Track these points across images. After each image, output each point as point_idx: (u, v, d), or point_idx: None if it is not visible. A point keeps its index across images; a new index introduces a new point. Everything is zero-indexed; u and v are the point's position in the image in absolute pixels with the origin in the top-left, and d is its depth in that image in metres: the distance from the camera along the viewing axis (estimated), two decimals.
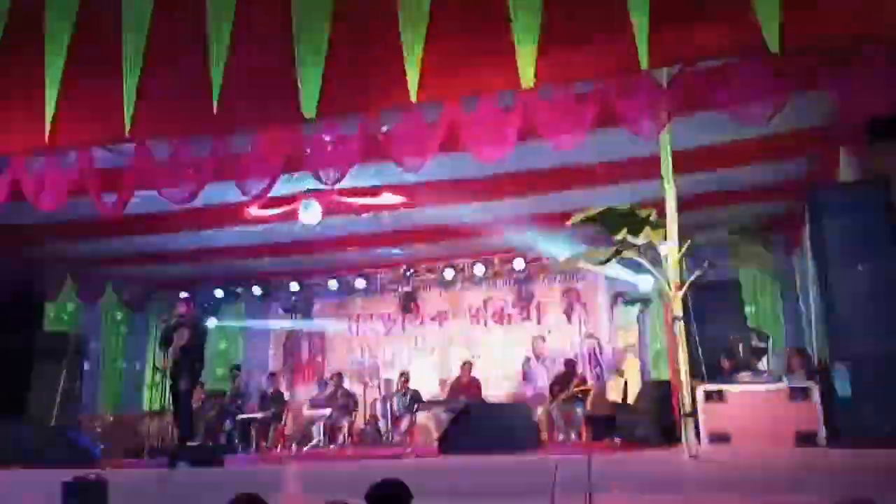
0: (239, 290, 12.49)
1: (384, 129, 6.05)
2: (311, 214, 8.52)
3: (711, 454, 5.17)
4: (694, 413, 5.43)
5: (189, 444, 7.97)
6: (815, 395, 5.44)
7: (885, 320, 5.30)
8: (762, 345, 6.34)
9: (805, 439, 5.30)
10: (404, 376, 11.11)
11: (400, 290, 12.17)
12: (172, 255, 10.35)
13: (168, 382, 8.29)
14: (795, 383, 5.79)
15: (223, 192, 7.25)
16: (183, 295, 10.73)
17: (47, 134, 6.35)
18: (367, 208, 8.95)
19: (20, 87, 6.35)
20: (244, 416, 10.65)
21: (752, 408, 5.56)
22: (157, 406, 11.67)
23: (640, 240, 6.16)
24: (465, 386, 10.75)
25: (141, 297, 12.30)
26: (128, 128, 6.09)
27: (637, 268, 7.83)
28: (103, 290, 11.45)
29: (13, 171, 6.70)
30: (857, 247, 5.50)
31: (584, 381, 10.35)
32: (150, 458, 8.17)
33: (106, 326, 11.90)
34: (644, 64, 4.89)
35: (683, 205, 5.84)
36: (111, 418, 10.43)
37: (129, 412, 11.57)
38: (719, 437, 5.52)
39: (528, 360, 11.49)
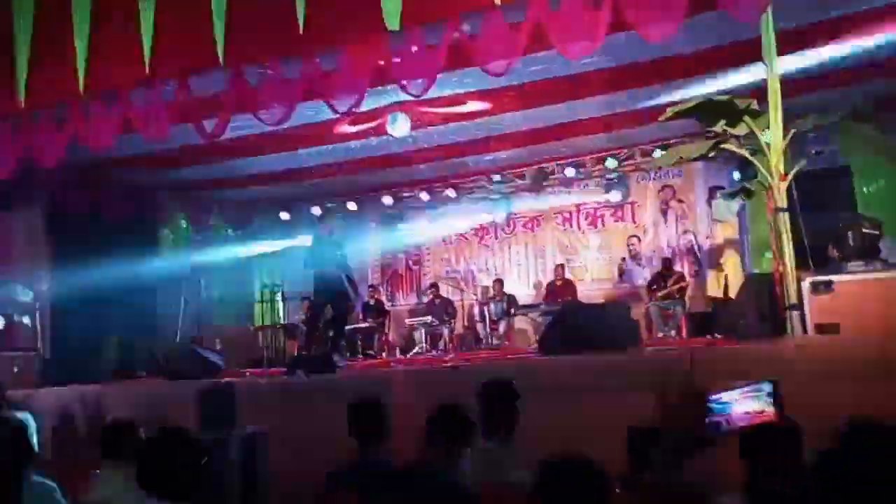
0: (334, 205, 12.84)
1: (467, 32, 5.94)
2: (399, 127, 8.59)
3: (819, 344, 5.08)
4: (800, 305, 5.32)
5: (303, 353, 8.49)
6: None
7: None
8: (875, 232, 6.04)
9: None
10: (499, 282, 11.31)
11: (490, 197, 12.20)
12: (270, 175, 10.70)
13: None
14: None
15: (315, 112, 7.40)
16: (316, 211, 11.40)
17: (147, 66, 6.63)
18: (453, 117, 8.92)
19: (118, 22, 6.60)
20: (349, 326, 11.17)
21: (863, 297, 5.37)
22: (267, 320, 12.46)
23: (740, 130, 5.91)
24: (560, 289, 10.86)
25: (245, 218, 12.88)
26: (221, 55, 6.27)
27: (737, 160, 7.58)
28: (211, 213, 12.06)
29: (121, 105, 7.06)
30: None
31: (681, 278, 10.23)
32: (268, 367, 8.75)
33: (216, 249, 12.56)
34: None
35: (787, 90, 5.53)
36: (229, 332, 11.16)
37: (241, 328, 12.39)
38: (828, 328, 5.38)
39: (624, 259, 11.40)
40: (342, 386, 6.32)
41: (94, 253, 8.81)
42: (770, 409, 1.77)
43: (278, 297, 12.37)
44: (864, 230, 5.99)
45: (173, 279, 9.99)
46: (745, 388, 1.81)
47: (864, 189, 8.72)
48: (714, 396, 1.78)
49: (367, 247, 13.19)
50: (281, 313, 12.47)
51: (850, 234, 5.98)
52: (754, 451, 2.50)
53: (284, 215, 12.76)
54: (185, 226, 11.84)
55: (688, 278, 10.45)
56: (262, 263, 13.11)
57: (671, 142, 9.82)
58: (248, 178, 10.82)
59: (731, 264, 9.32)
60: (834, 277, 5.55)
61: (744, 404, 1.82)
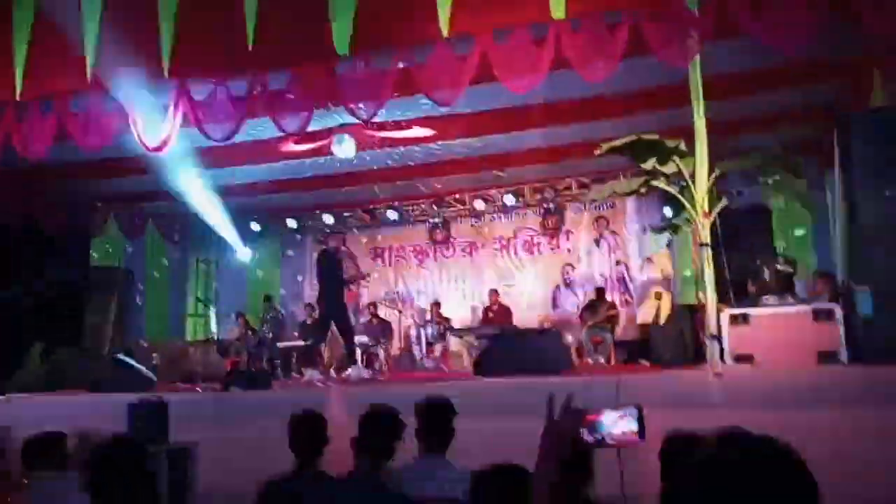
0: (274, 223, 12.80)
1: (416, 61, 6.14)
2: (344, 149, 8.69)
3: (735, 373, 5.40)
4: (719, 335, 5.65)
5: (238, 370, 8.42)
6: (838, 315, 5.61)
7: None
8: (788, 269, 6.48)
9: (827, 359, 5.50)
10: (436, 305, 11.46)
11: (431, 221, 12.40)
12: (211, 188, 10.60)
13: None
14: (820, 305, 5.95)
15: (260, 129, 7.45)
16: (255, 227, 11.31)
17: (89, 75, 6.60)
18: (398, 142, 9.09)
19: (60, 29, 6.55)
20: (285, 344, 11.11)
21: (775, 330, 5.75)
22: (200, 336, 12.28)
23: (669, 169, 6.27)
24: (496, 314, 11.07)
25: (181, 231, 12.69)
26: (166, 68, 6.30)
27: (666, 196, 7.98)
28: (145, 226, 11.86)
29: (58, 113, 6.96)
30: (885, 171, 5.55)
31: (612, 306, 10.58)
32: (203, 383, 8.64)
33: (149, 260, 12.34)
34: None
35: (714, 132, 5.91)
36: (162, 347, 10.94)
37: (173, 342, 12.17)
38: (743, 358, 5.73)
39: (557, 287, 11.73)
40: (277, 401, 6.32)
41: (24, 261, 8.57)
42: (635, 431, 2.13)
43: (211, 311, 12.22)
44: (779, 267, 6.41)
45: (103, 290, 9.76)
46: (620, 412, 2.14)
47: (782, 229, 9.29)
48: (595, 417, 2.05)
49: (306, 264, 13.19)
50: (214, 328, 12.31)
51: (766, 270, 6.40)
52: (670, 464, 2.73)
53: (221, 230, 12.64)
54: (118, 237, 11.58)
55: (619, 307, 10.82)
56: (197, 278, 12.93)
57: (607, 175, 10.23)
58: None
59: (664, 296, 9.73)
60: (750, 311, 5.92)
61: (619, 425, 2.16)
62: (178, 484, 4.79)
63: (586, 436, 2.08)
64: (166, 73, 6.36)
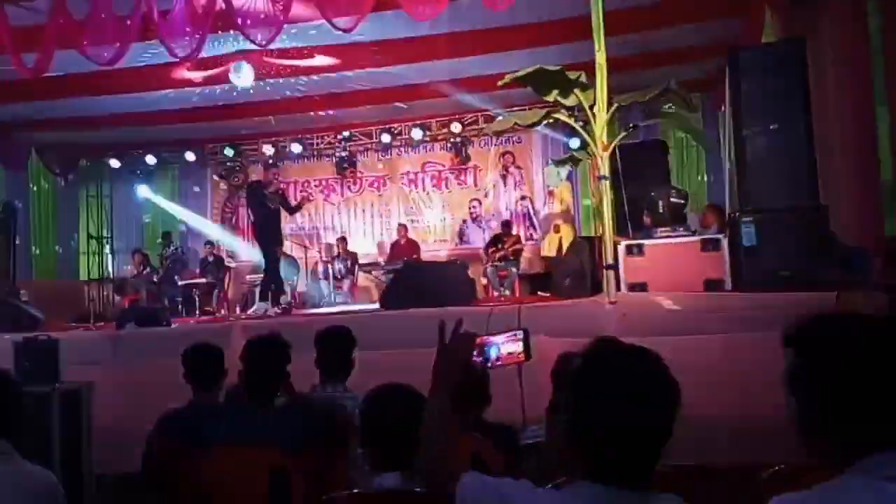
0: (171, 156, 12.24)
1: None
2: (242, 77, 8.33)
3: (628, 300, 5.65)
4: (615, 265, 5.86)
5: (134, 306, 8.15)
6: (724, 246, 5.92)
7: (792, 177, 5.69)
8: (680, 201, 6.75)
9: (713, 286, 5.82)
10: (343, 240, 11.37)
11: (337, 155, 12.16)
12: (101, 119, 9.98)
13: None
14: (708, 236, 6.26)
15: (153, 54, 7.02)
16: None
17: None
18: (300, 70, 8.78)
19: None
20: (186, 281, 10.80)
21: (667, 259, 6.02)
22: (94, 274, 11.75)
23: (571, 101, 6.34)
24: (403, 248, 11.10)
25: (69, 163, 11.96)
26: None
27: (569, 131, 8.10)
28: (27, 157, 11.08)
29: None
30: (770, 106, 5.78)
31: (517, 241, 10.80)
32: (95, 322, 8.32)
33: (34, 194, 11.59)
34: None
35: (613, 67, 5.99)
36: (50, 286, 10.43)
37: (65, 281, 11.61)
38: (637, 287, 5.99)
39: (465, 221, 11.86)
40: (175, 339, 6.16)
41: None
42: (522, 352, 2.32)
43: (106, 249, 11.69)
44: (672, 199, 6.67)
45: None
46: (506, 334, 2.28)
47: (677, 164, 9.65)
48: (484, 339, 2.16)
49: (207, 201, 12.75)
50: (109, 266, 11.80)
51: (660, 202, 6.64)
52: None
53: (114, 162, 12.00)
54: None
55: (524, 241, 11.06)
56: (88, 214, 12.28)
57: (512, 109, 10.27)
58: (74, 120, 10.03)
59: (566, 229, 9.97)
60: (645, 241, 6.16)
61: (506, 347, 2.30)
62: (72, 425, 4.64)
63: (476, 358, 2.15)
64: None
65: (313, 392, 3.14)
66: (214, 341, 3.64)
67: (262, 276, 9.81)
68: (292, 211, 9.97)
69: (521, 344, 2.28)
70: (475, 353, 1.98)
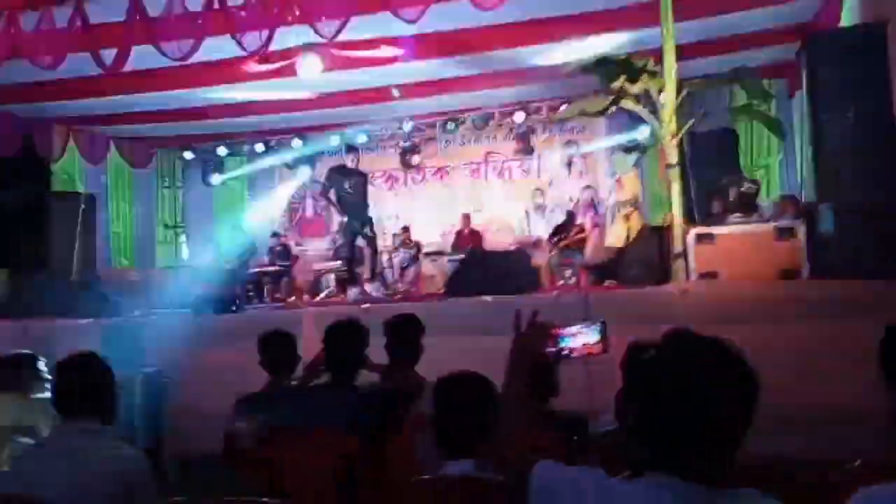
0: (242, 147, 12.55)
1: None
2: (309, 68, 8.46)
3: (699, 289, 5.53)
4: (685, 254, 5.75)
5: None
6: (801, 233, 5.73)
7: (870, 165, 5.47)
8: (753, 189, 6.56)
9: (788, 275, 5.64)
10: (407, 229, 11.46)
11: (401, 144, 12.25)
12: (173, 112, 10.32)
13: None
14: (782, 223, 6.07)
15: (221, 48, 7.20)
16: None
17: None
18: (365, 62, 8.86)
19: None
20: (255, 269, 11.09)
21: (739, 247, 5.86)
22: (170, 262, 12.19)
23: (637, 88, 6.23)
24: (467, 237, 11.13)
25: (145, 155, 12.41)
26: None
27: (635, 118, 7.96)
28: (107, 150, 11.54)
29: (8, 28, 6.65)
30: (848, 93, 5.56)
31: (581, 230, 10.67)
32: (174, 308, 8.61)
33: (113, 185, 12.07)
34: None
35: (682, 52, 5.85)
36: (132, 274, 10.86)
37: (142, 268, 12.06)
38: (708, 276, 5.85)
39: (527, 211, 11.78)
40: (249, 323, 6.36)
41: None
42: (599, 343, 2.26)
43: (182, 237, 12.10)
44: (743, 188, 6.48)
45: (66, 215, 9.55)
46: (582, 325, 2.24)
47: (748, 151, 9.35)
48: (560, 331, 2.14)
49: (275, 191, 13.04)
50: (184, 254, 12.22)
51: (731, 190, 6.47)
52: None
53: (188, 154, 12.39)
54: (78, 161, 11.27)
55: (588, 230, 10.91)
56: (164, 203, 12.73)
57: (578, 99, 10.13)
58: (149, 114, 10.39)
59: (634, 217, 9.80)
60: (715, 230, 6.01)
61: (581, 338, 2.26)
62: (155, 408, 4.86)
63: (551, 348, 2.14)
64: None
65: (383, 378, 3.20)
66: (287, 328, 3.75)
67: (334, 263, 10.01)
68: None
69: (598, 335, 2.25)
70: (550, 343, 1.98)
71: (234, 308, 7.25)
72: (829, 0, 7.09)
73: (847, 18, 6.65)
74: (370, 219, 8.54)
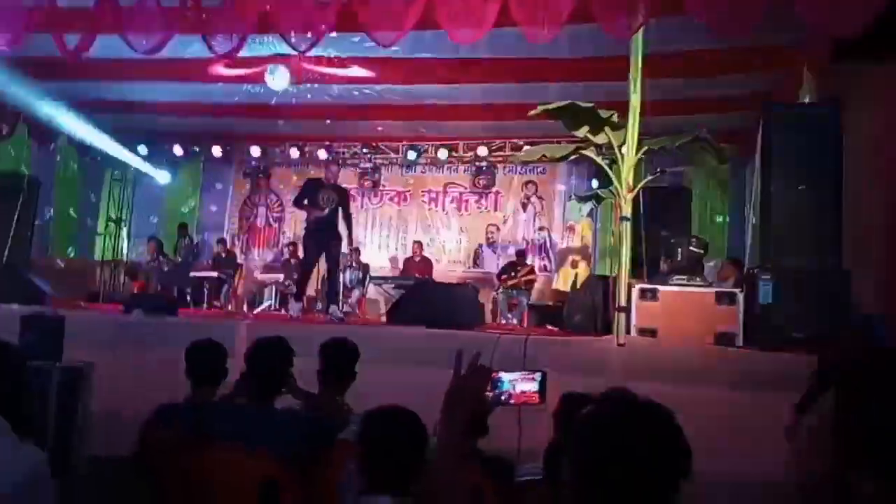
0: (198, 148, 12.33)
1: None
2: (277, 80, 8.41)
3: (637, 345, 5.59)
4: (627, 307, 5.81)
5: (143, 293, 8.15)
6: (740, 300, 5.85)
7: (815, 238, 5.64)
8: (699, 251, 6.70)
9: (724, 340, 5.75)
10: (356, 251, 11.37)
11: (361, 166, 12.21)
12: (133, 104, 10.09)
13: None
14: (723, 289, 6.20)
15: (189, 46, 7.09)
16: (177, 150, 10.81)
17: None
18: (335, 79, 8.84)
19: None
20: (197, 274, 10.84)
21: (680, 307, 5.95)
22: (109, 255, 11.82)
23: (600, 139, 6.33)
24: (416, 265, 11.10)
25: (97, 144, 12.05)
26: None
27: (595, 168, 8.08)
28: (58, 134, 11.19)
29: None
30: (801, 165, 5.75)
31: (531, 271, 10.76)
32: (105, 302, 8.34)
33: (60, 171, 11.69)
34: None
35: (647, 109, 5.98)
36: (63, 263, 10.49)
37: (79, 259, 11.67)
38: (648, 332, 5.92)
39: (480, 246, 11.85)
40: (180, 329, 6.16)
41: None
42: (537, 394, 2.25)
43: (123, 232, 11.76)
44: (691, 248, 6.62)
45: (5, 197, 9.18)
46: (524, 373, 2.23)
47: (699, 212, 9.59)
48: (499, 375, 2.12)
49: (228, 195, 12.83)
50: (124, 250, 11.87)
51: (679, 250, 6.59)
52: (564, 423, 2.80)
53: (141, 149, 12.10)
54: (26, 142, 10.89)
55: (537, 272, 11.02)
56: (110, 195, 12.38)
57: (540, 140, 10.27)
58: (105, 103, 10.14)
59: (581, 264, 9.94)
60: (659, 287, 6.10)
61: (520, 385, 2.25)
62: (69, 404, 4.63)
63: (489, 392, 2.11)
64: None
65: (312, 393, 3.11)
66: (219, 338, 3.63)
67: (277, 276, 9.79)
68: (349, 218, 8.52)
69: (536, 384, 2.24)
70: (489, 388, 1.95)
71: (168, 310, 7.03)
72: (789, 74, 7.38)
73: (805, 93, 6.92)
74: (340, 237, 8.05)
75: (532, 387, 2.21)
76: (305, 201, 7.93)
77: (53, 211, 11.43)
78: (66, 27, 6.52)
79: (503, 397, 2.15)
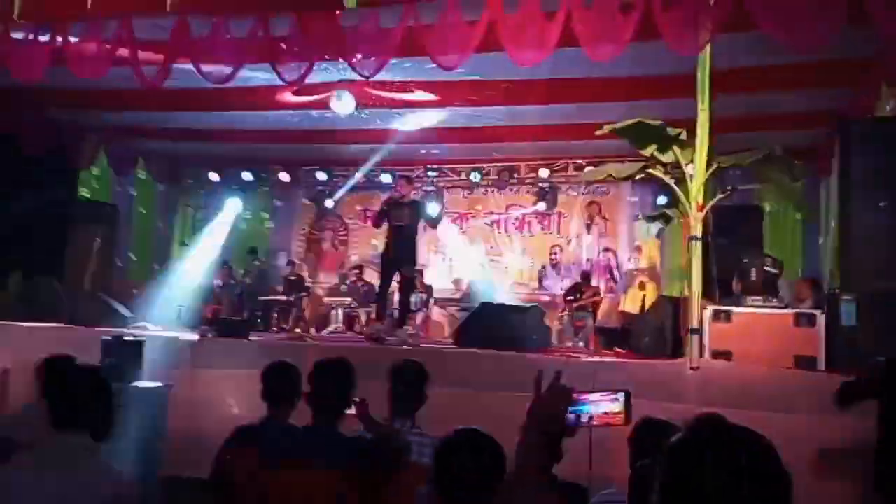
0: (265, 174, 12.65)
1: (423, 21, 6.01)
2: (343, 105, 8.56)
3: (711, 368, 5.42)
4: (700, 330, 5.64)
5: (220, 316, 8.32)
6: (820, 322, 5.61)
7: None
8: (775, 271, 6.47)
9: (804, 363, 5.51)
10: (420, 273, 11.42)
11: (424, 189, 12.30)
12: (204, 132, 10.46)
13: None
14: (803, 310, 5.96)
15: (258, 75, 7.31)
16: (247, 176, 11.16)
17: (90, 3, 6.44)
18: (399, 103, 8.96)
19: None
20: (266, 297, 11.07)
21: (756, 330, 5.74)
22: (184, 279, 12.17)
23: (668, 158, 6.21)
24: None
25: (172, 172, 12.55)
26: (168, 1, 6.16)
27: (661, 186, 7.94)
28: (135, 162, 11.69)
29: (56, 37, 6.79)
30: (881, 183, 5.51)
31: (596, 292, 10.60)
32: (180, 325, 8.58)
33: (137, 199, 12.18)
34: None
35: (715, 126, 5.84)
36: (144, 287, 10.86)
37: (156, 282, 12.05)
38: (722, 355, 5.73)
39: (544, 267, 11.74)
40: (254, 351, 6.30)
41: (3, 183, 8.40)
42: (621, 414, 2.16)
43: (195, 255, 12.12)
44: (766, 268, 6.40)
45: (88, 224, 9.61)
46: (604, 393, 2.16)
47: (772, 231, 9.28)
48: (580, 396, 2.06)
49: (295, 221, 13.11)
50: (197, 273, 12.21)
51: (753, 270, 6.38)
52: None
53: (214, 176, 12.51)
54: (106, 171, 11.39)
55: (602, 293, 10.84)
56: (184, 221, 12.82)
57: (604, 160, 10.16)
58: (180, 132, 10.54)
59: (649, 286, 9.73)
60: (733, 308, 5.91)
61: (602, 406, 2.17)
62: (149, 424, 4.78)
63: (570, 414, 2.06)
64: (168, 7, 6.22)
65: (381, 423, 3.11)
66: (292, 359, 3.68)
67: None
68: (434, 223, 8.69)
69: (621, 405, 2.16)
70: (570, 409, 1.91)
71: (240, 333, 7.19)
72: (864, 89, 7.11)
73: (881, 109, 6.66)
74: (414, 257, 8.08)
75: (616, 407, 2.13)
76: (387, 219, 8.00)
77: (130, 238, 11.89)
78: (145, 59, 6.80)
79: (585, 419, 2.09)
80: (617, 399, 2.14)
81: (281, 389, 3.19)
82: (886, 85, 6.67)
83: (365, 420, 2.98)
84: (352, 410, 2.99)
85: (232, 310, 10.70)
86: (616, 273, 11.35)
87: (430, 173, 12.03)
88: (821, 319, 5.63)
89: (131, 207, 11.90)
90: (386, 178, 11.97)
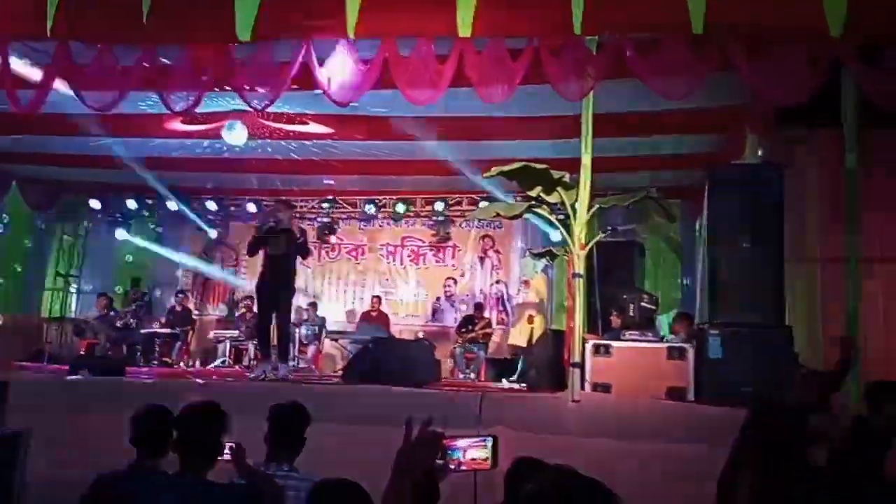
0: (152, 202, 12.19)
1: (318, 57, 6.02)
2: (235, 136, 8.42)
3: (591, 401, 5.62)
4: (581, 363, 5.86)
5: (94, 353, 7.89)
6: (690, 355, 5.96)
7: (759, 295, 5.83)
8: (651, 306, 6.83)
9: (675, 394, 5.83)
10: (314, 305, 11.28)
11: (319, 220, 12.21)
12: (85, 158, 9.98)
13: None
14: (675, 344, 6.31)
15: (144, 102, 7.10)
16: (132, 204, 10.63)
17: None
18: (293, 135, 8.90)
19: None
20: (149, 330, 10.60)
21: (634, 363, 6.04)
22: (56, 312, 11.50)
23: (553, 198, 6.47)
24: (374, 319, 11.03)
25: (49, 199, 11.86)
26: (49, 26, 5.90)
27: (550, 223, 8.24)
28: (8, 188, 10.99)
29: None
30: (745, 224, 5.96)
31: (488, 324, 10.79)
32: (49, 363, 8.08)
33: (8, 226, 11.43)
34: (578, 29, 5.13)
35: (597, 166, 6.14)
36: (10, 320, 10.16)
37: (25, 316, 11.31)
38: (601, 387, 5.97)
39: (438, 299, 11.86)
40: (127, 391, 6.00)
41: None
42: (488, 459, 2.24)
43: (72, 288, 11.47)
44: (643, 304, 6.75)
45: None
46: (473, 439, 2.23)
47: (651, 268, 9.80)
48: (450, 442, 2.11)
49: (182, 250, 12.66)
50: (73, 307, 11.56)
51: (631, 305, 6.72)
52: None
53: (94, 203, 11.92)
54: None
55: (494, 326, 11.05)
56: (59, 250, 12.11)
57: (496, 196, 10.45)
58: (59, 157, 10.02)
59: (538, 320, 9.99)
60: (613, 343, 6.19)
61: (471, 452, 2.24)
62: (5, 472, 4.45)
63: (439, 460, 2.10)
64: (48, 32, 5.94)
65: (256, 470, 3.03)
66: (170, 400, 3.54)
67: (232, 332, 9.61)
68: (305, 253, 8.11)
69: (487, 451, 2.23)
70: (439, 455, 1.94)
71: (116, 371, 6.84)
72: (735, 136, 7.68)
73: (748, 155, 7.20)
74: (292, 286, 7.74)
75: (483, 454, 2.20)
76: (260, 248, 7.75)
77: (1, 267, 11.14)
78: (21, 83, 6.46)
79: (453, 465, 2.14)
80: (485, 444, 2.20)
81: (151, 435, 3.05)
82: (752, 133, 7.24)
83: (240, 466, 2.89)
84: (227, 455, 2.89)
85: (110, 344, 10.16)
86: (507, 306, 11.61)
87: (324, 205, 11.97)
88: (691, 352, 5.98)
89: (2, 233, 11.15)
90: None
